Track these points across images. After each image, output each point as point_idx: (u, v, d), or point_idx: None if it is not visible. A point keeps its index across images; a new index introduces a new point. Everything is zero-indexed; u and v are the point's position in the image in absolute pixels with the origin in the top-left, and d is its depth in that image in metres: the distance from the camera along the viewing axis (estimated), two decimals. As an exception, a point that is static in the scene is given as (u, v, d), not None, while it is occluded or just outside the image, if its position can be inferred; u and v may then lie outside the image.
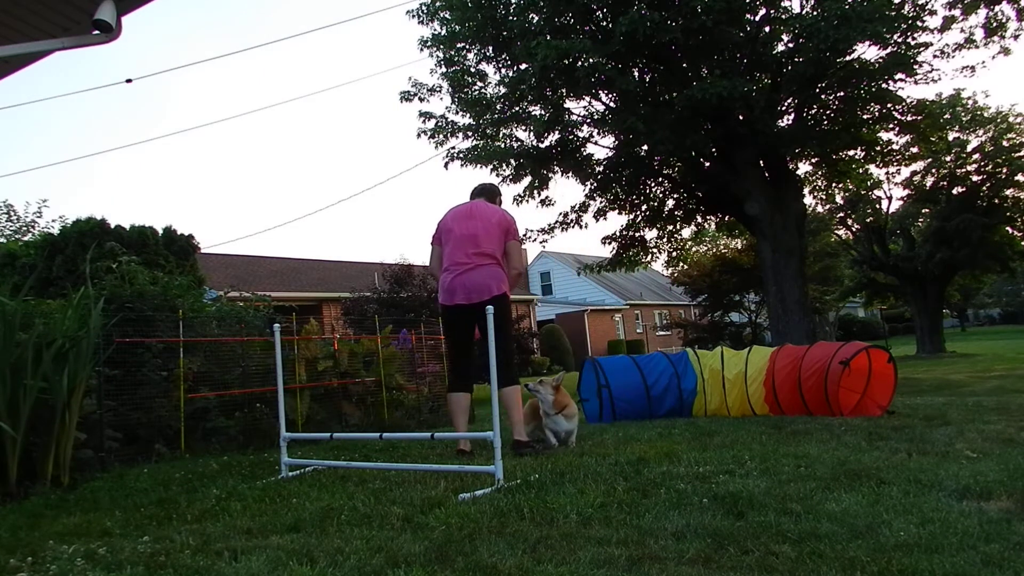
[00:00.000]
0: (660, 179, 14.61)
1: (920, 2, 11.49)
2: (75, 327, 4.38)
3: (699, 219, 15.73)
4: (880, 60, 11.45)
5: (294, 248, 63.78)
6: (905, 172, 20.54)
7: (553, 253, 34.86)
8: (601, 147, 17.10)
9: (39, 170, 46.43)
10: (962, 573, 1.86)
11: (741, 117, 11.87)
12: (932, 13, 11.69)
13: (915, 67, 11.78)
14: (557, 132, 12.93)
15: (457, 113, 13.46)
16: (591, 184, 13.97)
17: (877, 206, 22.62)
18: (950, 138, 18.87)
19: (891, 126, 13.49)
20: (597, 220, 14.65)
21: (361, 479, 3.68)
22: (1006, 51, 12.65)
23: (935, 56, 12.41)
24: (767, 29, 12.11)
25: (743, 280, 21.56)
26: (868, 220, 22.73)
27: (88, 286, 4.81)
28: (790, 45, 11.79)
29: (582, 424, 5.90)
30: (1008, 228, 21.57)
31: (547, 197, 14.24)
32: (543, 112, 12.90)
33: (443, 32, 12.77)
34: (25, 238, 21.17)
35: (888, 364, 5.58)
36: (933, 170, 21.31)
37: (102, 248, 9.36)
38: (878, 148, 14.30)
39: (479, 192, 4.83)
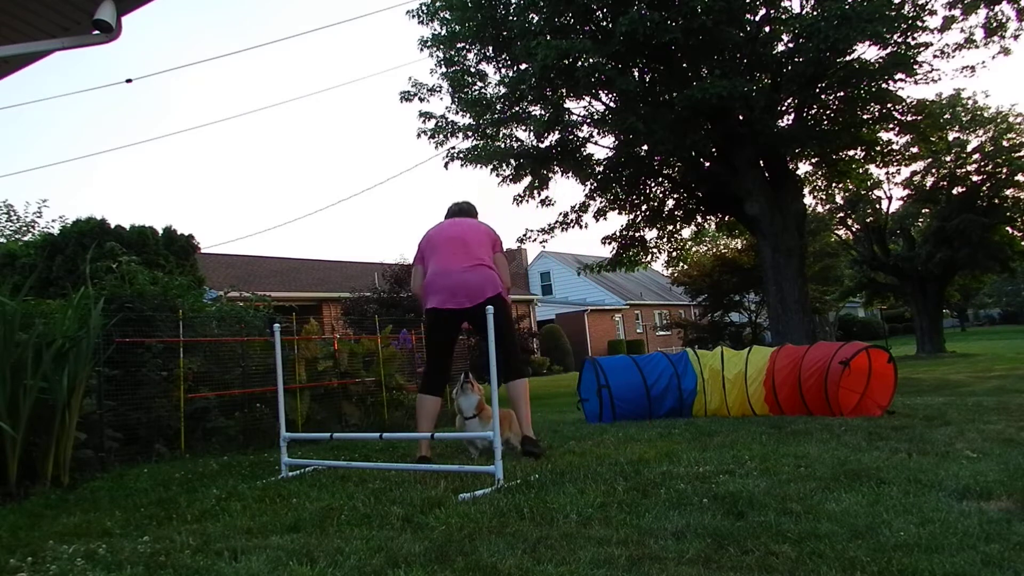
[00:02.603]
0: (660, 179, 14.61)
1: (920, 2, 11.49)
2: (75, 327, 4.38)
3: (699, 219, 15.72)
4: (880, 60, 11.45)
5: (294, 248, 63.85)
6: (905, 172, 20.56)
7: (553, 253, 34.86)
8: (601, 147, 17.15)
9: (39, 170, 46.50)
10: (962, 573, 1.86)
11: (741, 117, 11.87)
12: (932, 13, 11.71)
13: (915, 67, 11.78)
14: (557, 132, 12.93)
15: (457, 113, 13.47)
16: (591, 184, 13.97)
17: (877, 206, 22.61)
18: (950, 138, 18.86)
19: (891, 126, 13.49)
20: (597, 220, 14.66)
21: (361, 479, 3.68)
22: (1006, 51, 12.66)
23: (935, 56, 12.43)
24: (767, 29, 12.11)
25: (743, 280, 21.55)
26: (868, 220, 22.72)
27: (88, 286, 4.82)
28: (790, 45, 11.79)
29: (583, 424, 5.90)
30: (1008, 228, 21.56)
31: (547, 197, 14.26)
32: (543, 112, 12.90)
33: (443, 32, 12.77)
34: (25, 238, 21.16)
35: (888, 364, 5.58)
36: (933, 170, 21.30)
37: (102, 248, 9.37)
38: (878, 148, 14.30)
39: (456, 212, 4.66)
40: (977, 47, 12.64)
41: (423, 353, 9.03)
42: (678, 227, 16.01)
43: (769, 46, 11.82)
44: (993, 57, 12.88)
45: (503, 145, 13.50)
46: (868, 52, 11.74)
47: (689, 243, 17.94)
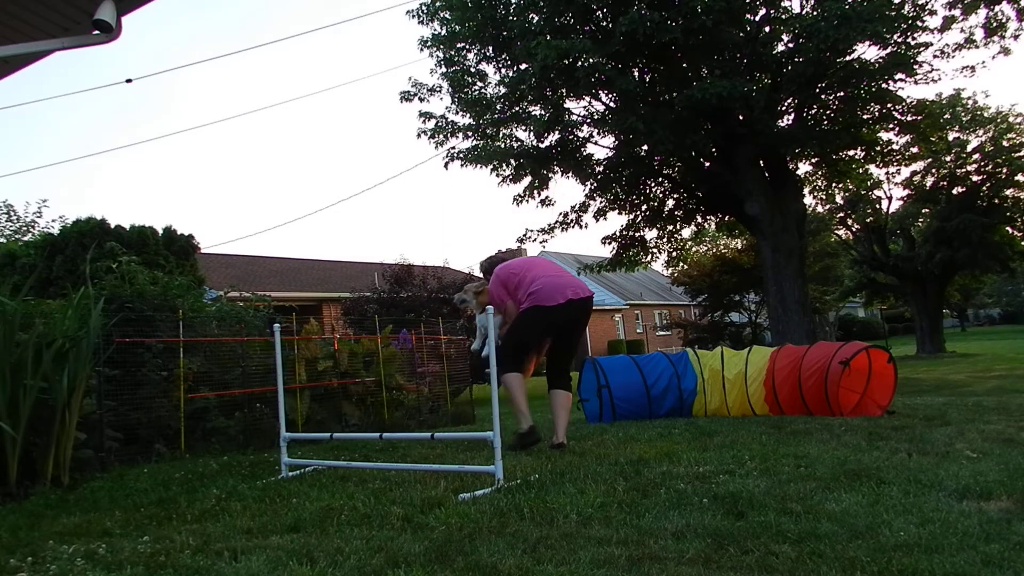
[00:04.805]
0: (660, 179, 14.60)
1: (920, 2, 11.50)
2: (75, 327, 4.38)
3: (699, 219, 15.72)
4: (880, 60, 11.45)
5: (294, 248, 63.85)
6: (905, 172, 20.55)
7: (553, 253, 34.82)
8: (601, 147, 17.11)
9: (39, 170, 46.43)
10: (962, 573, 1.86)
11: (741, 117, 11.86)
12: (932, 13, 11.71)
13: (915, 67, 11.79)
14: (557, 132, 12.93)
15: (457, 113, 13.47)
16: (591, 184, 13.97)
17: (877, 206, 22.60)
18: (950, 138, 18.86)
19: (891, 126, 13.49)
20: (597, 220, 14.66)
21: (361, 479, 3.68)
22: (1006, 51, 12.66)
23: (935, 56, 12.43)
24: (767, 29, 12.11)
25: (743, 280, 21.54)
26: (868, 220, 22.72)
27: (88, 286, 4.81)
28: (790, 45, 11.79)
29: (583, 424, 5.90)
30: (1008, 228, 21.56)
31: (547, 197, 14.26)
32: (543, 112, 12.90)
33: (443, 32, 12.77)
34: (25, 238, 21.15)
35: (888, 364, 5.58)
36: (933, 170, 21.29)
37: (102, 248, 9.37)
38: (878, 148, 14.30)
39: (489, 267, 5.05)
40: (977, 47, 12.64)
41: (423, 353, 9.05)
42: (678, 227, 16.00)
43: (769, 46, 11.82)
44: (993, 57, 12.89)
45: (503, 145, 13.49)
46: (868, 52, 11.76)
47: (689, 243, 17.92)
